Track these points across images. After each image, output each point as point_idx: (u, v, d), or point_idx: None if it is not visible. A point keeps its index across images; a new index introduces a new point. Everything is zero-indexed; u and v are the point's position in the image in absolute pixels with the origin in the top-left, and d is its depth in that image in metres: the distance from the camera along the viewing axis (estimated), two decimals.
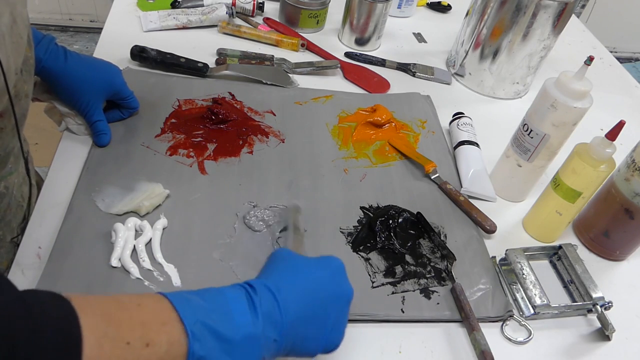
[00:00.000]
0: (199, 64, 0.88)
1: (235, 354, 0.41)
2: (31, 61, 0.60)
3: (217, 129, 0.79)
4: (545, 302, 0.63)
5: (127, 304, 0.39)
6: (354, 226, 0.70)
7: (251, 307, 0.43)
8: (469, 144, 0.83)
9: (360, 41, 1.06)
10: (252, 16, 1.07)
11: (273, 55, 0.97)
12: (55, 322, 0.34)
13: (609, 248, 0.73)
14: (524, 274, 0.66)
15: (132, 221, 0.63)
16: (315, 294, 0.47)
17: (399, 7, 1.18)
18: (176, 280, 0.59)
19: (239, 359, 0.41)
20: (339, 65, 0.98)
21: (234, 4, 1.04)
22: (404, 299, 0.63)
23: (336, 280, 0.49)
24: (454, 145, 0.85)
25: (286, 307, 0.44)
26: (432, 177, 0.79)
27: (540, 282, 0.65)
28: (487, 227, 0.72)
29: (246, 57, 0.95)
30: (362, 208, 0.73)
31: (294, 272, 0.48)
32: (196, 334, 0.39)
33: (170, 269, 0.60)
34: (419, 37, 1.15)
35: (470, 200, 0.76)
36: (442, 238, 0.71)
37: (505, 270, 0.68)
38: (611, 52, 1.25)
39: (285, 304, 0.44)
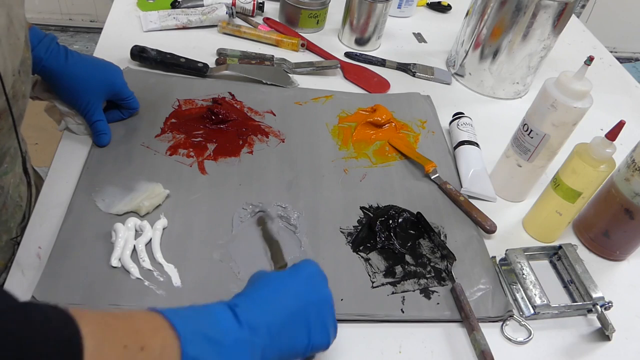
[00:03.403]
0: (199, 64, 0.88)
1: (225, 355, 0.42)
2: (29, 62, 0.60)
3: (217, 129, 0.79)
4: (545, 302, 0.63)
5: (120, 315, 0.41)
6: (354, 226, 0.70)
7: (235, 317, 0.45)
8: (469, 144, 0.83)
9: (360, 41, 1.06)
10: (252, 16, 1.07)
11: (273, 55, 0.97)
12: (56, 329, 0.35)
13: (609, 248, 0.73)
14: (524, 274, 0.66)
15: (132, 221, 0.63)
16: (290, 302, 0.49)
17: (399, 7, 1.18)
18: (176, 280, 0.59)
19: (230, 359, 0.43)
20: (339, 65, 0.98)
21: (234, 4, 1.04)
22: (404, 299, 0.63)
23: (310, 286, 0.51)
24: (454, 145, 0.85)
25: (266, 316, 0.47)
26: (432, 177, 0.79)
27: (540, 282, 0.65)
28: (487, 227, 0.73)
29: (246, 57, 0.95)
30: (362, 208, 0.73)
31: (270, 285, 0.50)
32: (188, 337, 0.41)
33: (170, 269, 0.60)
34: (419, 37, 1.15)
35: (470, 200, 0.76)
36: (442, 238, 0.71)
37: (505, 270, 0.68)
38: (611, 52, 1.25)
39: (264, 313, 0.47)
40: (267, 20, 1.08)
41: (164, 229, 0.64)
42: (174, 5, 1.03)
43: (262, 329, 0.46)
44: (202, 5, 1.03)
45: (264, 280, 0.51)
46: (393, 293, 0.63)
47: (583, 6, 2.70)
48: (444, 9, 1.25)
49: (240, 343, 0.44)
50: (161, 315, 0.42)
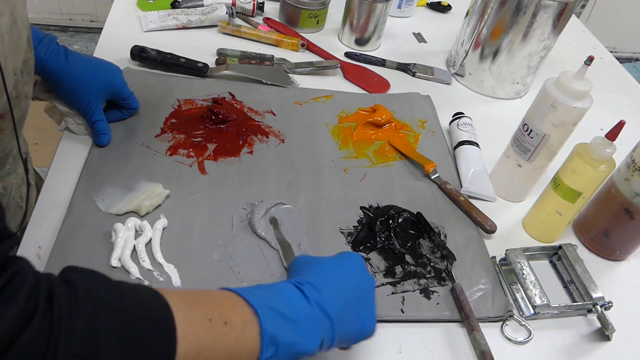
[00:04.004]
0: (199, 64, 0.88)
1: (300, 332, 0.44)
2: (31, 62, 0.60)
3: (217, 129, 0.79)
4: (545, 302, 0.63)
5: (199, 292, 0.43)
6: (354, 226, 0.70)
7: (303, 295, 0.46)
8: (469, 144, 0.83)
9: (360, 41, 1.06)
10: (252, 16, 1.07)
11: (273, 55, 0.97)
12: (148, 302, 0.37)
13: (609, 248, 0.73)
14: (524, 274, 0.66)
15: (132, 221, 0.63)
16: (348, 286, 0.50)
17: (399, 7, 1.18)
18: (176, 280, 0.59)
19: (305, 337, 0.44)
20: (339, 65, 0.98)
21: (234, 4, 1.04)
22: (404, 299, 0.63)
23: (358, 270, 0.52)
24: (454, 145, 0.85)
25: (331, 297, 0.47)
26: (432, 177, 0.79)
27: (540, 282, 0.65)
28: (487, 227, 0.72)
29: (246, 57, 0.95)
30: (362, 208, 0.73)
31: (324, 270, 0.51)
32: (265, 314, 0.42)
33: (170, 269, 0.60)
34: (419, 37, 1.15)
35: (470, 200, 0.76)
36: (442, 238, 0.71)
37: (505, 270, 0.68)
38: (611, 52, 1.25)
39: (329, 294, 0.48)
40: (267, 20, 1.08)
41: (164, 229, 0.64)
42: (174, 5, 1.03)
43: (329, 309, 0.46)
44: (202, 5, 1.03)
45: (316, 265, 0.52)
46: (393, 293, 0.63)
47: (583, 6, 2.70)
48: (444, 9, 1.25)
49: (312, 319, 0.45)
50: (236, 293, 0.43)
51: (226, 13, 1.01)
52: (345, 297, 0.49)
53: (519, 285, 0.66)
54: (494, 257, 0.70)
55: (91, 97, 0.70)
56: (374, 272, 0.65)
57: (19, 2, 0.54)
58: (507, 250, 0.69)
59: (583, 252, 0.74)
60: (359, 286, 0.51)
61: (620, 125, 0.63)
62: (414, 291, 0.64)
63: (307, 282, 0.48)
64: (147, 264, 0.60)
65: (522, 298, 0.66)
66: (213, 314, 0.40)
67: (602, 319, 0.63)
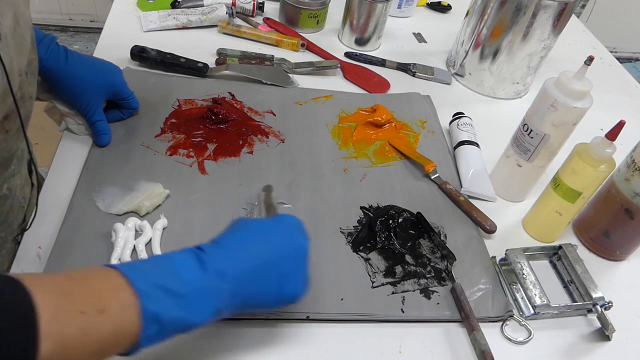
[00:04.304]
0: (199, 64, 0.88)
1: (189, 307, 0.43)
2: (35, 63, 0.59)
3: (217, 129, 0.79)
4: (545, 302, 0.63)
5: (77, 277, 0.41)
6: (354, 226, 0.70)
7: (199, 264, 0.45)
8: (469, 144, 0.83)
9: (360, 41, 1.06)
10: (252, 16, 1.07)
11: (273, 55, 0.97)
12: (10, 303, 0.35)
13: (609, 248, 0.73)
14: (524, 274, 0.66)
15: (132, 221, 0.63)
16: (265, 249, 0.49)
17: (399, 7, 1.18)
18: None
19: (193, 311, 0.43)
20: (339, 65, 0.98)
21: (234, 4, 1.04)
22: (404, 299, 0.63)
23: (287, 236, 0.51)
24: (454, 145, 0.85)
25: (237, 261, 0.47)
26: (432, 177, 0.79)
27: (540, 282, 0.65)
28: (487, 227, 0.73)
29: (246, 57, 0.95)
30: (362, 208, 0.73)
31: (245, 231, 0.50)
32: (147, 293, 0.41)
33: None
34: (419, 37, 1.15)
35: (470, 200, 0.76)
36: (442, 238, 0.71)
37: (505, 270, 0.68)
38: (611, 52, 1.25)
39: (235, 258, 0.47)
40: (267, 20, 1.08)
41: (164, 229, 0.64)
42: (174, 5, 1.03)
43: (230, 273, 0.46)
44: (202, 5, 1.03)
45: (241, 226, 0.51)
46: (393, 293, 0.63)
47: (583, 6, 2.70)
48: (444, 9, 1.25)
49: (202, 292, 0.44)
50: (118, 271, 0.42)
51: (226, 13, 1.01)
52: (257, 260, 0.48)
53: (519, 285, 0.66)
54: (494, 257, 0.70)
55: (91, 97, 0.70)
56: (374, 272, 0.65)
57: (22, 3, 0.54)
58: (507, 250, 0.69)
59: (583, 252, 0.74)
60: (283, 250, 0.50)
61: (620, 125, 0.63)
62: (414, 291, 0.64)
63: (216, 245, 0.47)
64: None
65: (522, 298, 0.66)
66: (87, 304, 0.39)
67: (602, 319, 0.63)
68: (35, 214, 0.63)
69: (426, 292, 0.64)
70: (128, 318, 0.40)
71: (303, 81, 0.94)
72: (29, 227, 0.62)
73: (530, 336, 0.62)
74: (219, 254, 0.47)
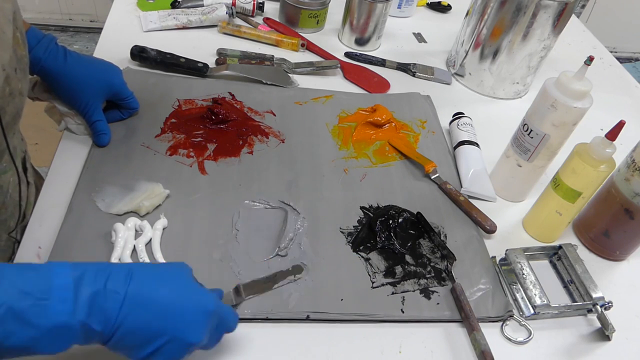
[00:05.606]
0: (199, 64, 0.88)
1: (40, 339, 0.39)
2: (25, 60, 0.59)
3: (217, 129, 0.79)
4: (545, 302, 0.63)
5: None
6: (354, 226, 0.70)
7: (77, 296, 0.41)
8: (469, 144, 0.83)
9: (360, 41, 1.06)
10: (252, 16, 1.07)
11: (273, 55, 0.97)
12: None
13: (609, 248, 0.73)
14: (524, 274, 0.66)
15: (132, 221, 0.63)
16: (157, 323, 0.44)
17: (399, 7, 1.18)
18: None
19: (42, 343, 0.40)
20: (339, 65, 0.98)
21: (234, 4, 1.04)
22: (404, 299, 0.63)
23: (186, 325, 0.46)
24: (454, 145, 0.85)
25: (126, 308, 0.42)
26: (432, 177, 0.79)
27: (540, 282, 0.65)
28: (487, 227, 0.72)
29: (246, 57, 0.95)
30: (362, 208, 0.73)
31: (157, 282, 0.45)
32: None
33: None
34: (419, 37, 1.15)
35: (470, 200, 0.76)
36: (442, 238, 0.71)
37: (505, 270, 0.68)
38: (611, 52, 1.25)
39: (120, 308, 0.42)
40: (267, 20, 1.08)
41: (164, 229, 0.64)
42: (174, 5, 1.03)
43: (109, 315, 0.41)
44: (202, 5, 1.03)
45: (165, 281, 0.46)
46: (393, 293, 0.63)
47: (583, 6, 2.70)
48: (444, 9, 1.25)
49: (63, 329, 0.40)
50: None
51: (226, 13, 1.01)
52: (151, 315, 0.43)
53: (519, 285, 0.66)
54: (494, 257, 0.70)
55: (90, 97, 0.70)
56: (374, 272, 0.65)
57: None
58: (507, 250, 0.69)
59: (583, 252, 0.74)
60: (172, 334, 0.44)
61: (620, 125, 0.63)
62: (414, 291, 0.64)
63: (121, 273, 0.43)
64: None
65: (522, 298, 0.66)
66: None
67: (602, 319, 0.63)
68: (25, 211, 0.63)
69: (426, 292, 0.64)
70: None
71: (303, 81, 0.94)
72: (22, 220, 0.61)
73: (530, 336, 0.62)
74: (106, 291, 0.42)
